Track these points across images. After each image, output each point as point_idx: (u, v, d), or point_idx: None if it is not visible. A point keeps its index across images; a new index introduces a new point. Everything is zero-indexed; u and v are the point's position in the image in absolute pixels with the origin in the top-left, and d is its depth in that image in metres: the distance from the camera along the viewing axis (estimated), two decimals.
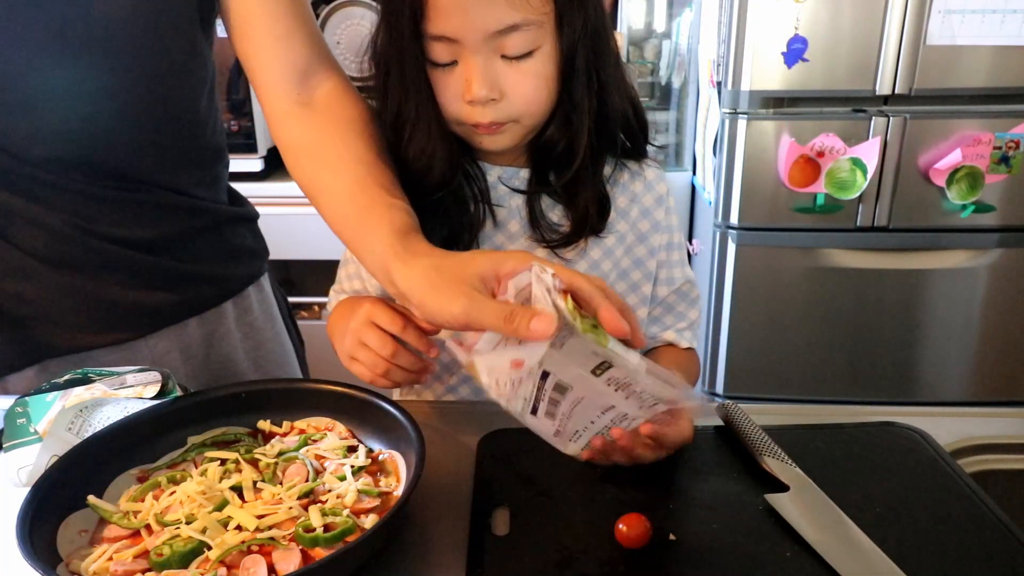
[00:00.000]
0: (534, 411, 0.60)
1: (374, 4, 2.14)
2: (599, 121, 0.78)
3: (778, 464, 0.67)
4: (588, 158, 0.79)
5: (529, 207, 0.82)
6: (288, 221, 2.00)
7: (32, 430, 0.69)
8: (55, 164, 0.78)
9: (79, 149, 0.78)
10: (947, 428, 0.76)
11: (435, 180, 0.78)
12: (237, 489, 0.63)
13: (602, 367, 0.56)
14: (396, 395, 0.95)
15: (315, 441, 0.70)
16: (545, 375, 0.57)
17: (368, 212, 0.70)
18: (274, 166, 2.15)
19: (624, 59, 2.21)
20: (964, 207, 1.76)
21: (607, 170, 0.83)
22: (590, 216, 0.81)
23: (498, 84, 0.72)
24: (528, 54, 0.71)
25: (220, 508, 0.60)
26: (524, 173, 0.83)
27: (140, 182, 0.83)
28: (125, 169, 0.82)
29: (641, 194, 0.86)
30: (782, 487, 0.65)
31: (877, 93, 1.70)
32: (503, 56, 0.71)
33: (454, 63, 0.72)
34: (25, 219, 0.79)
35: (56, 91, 0.75)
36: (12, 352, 0.84)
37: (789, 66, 1.68)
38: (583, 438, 0.63)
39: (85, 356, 0.85)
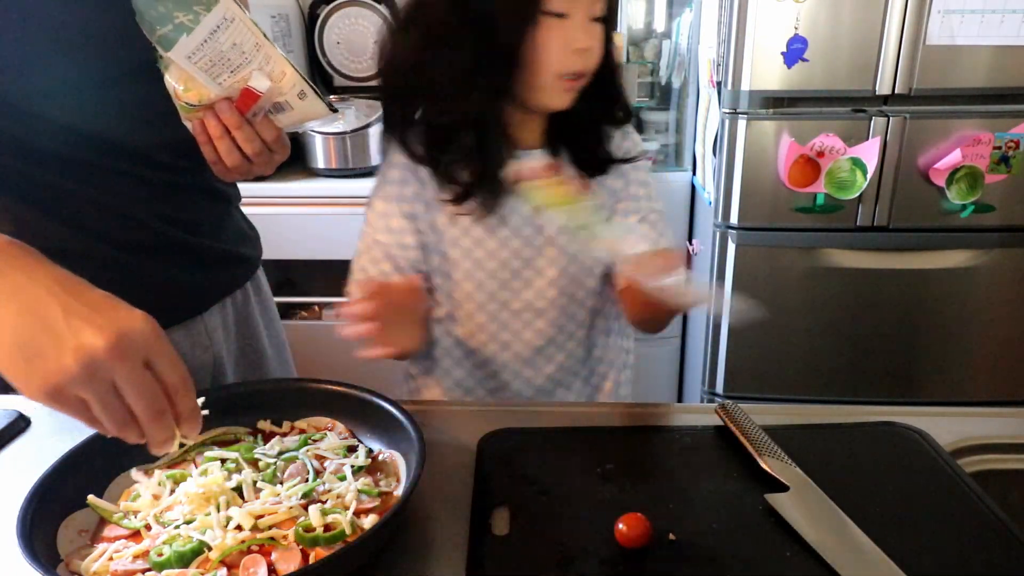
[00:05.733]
0: None
1: (374, 4, 2.13)
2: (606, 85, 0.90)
3: (778, 464, 0.67)
4: (587, 119, 0.90)
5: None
6: (288, 221, 2.00)
7: None
8: (123, 154, 0.83)
9: (135, 135, 0.83)
10: (947, 428, 0.76)
11: (471, 106, 0.86)
12: (237, 489, 0.63)
13: None
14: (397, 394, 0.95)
15: (315, 441, 0.70)
16: None
17: None
18: None
19: (624, 59, 2.21)
20: (964, 207, 1.75)
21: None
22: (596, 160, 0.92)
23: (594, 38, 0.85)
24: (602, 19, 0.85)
25: (220, 508, 0.61)
26: (538, 153, 0.91)
27: (177, 167, 0.88)
28: (167, 154, 0.87)
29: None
30: (782, 487, 0.65)
31: (877, 93, 1.70)
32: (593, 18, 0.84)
33: (564, 15, 0.82)
34: (100, 207, 0.84)
35: (91, 81, 0.78)
36: None
37: (789, 66, 1.68)
38: None
39: None
